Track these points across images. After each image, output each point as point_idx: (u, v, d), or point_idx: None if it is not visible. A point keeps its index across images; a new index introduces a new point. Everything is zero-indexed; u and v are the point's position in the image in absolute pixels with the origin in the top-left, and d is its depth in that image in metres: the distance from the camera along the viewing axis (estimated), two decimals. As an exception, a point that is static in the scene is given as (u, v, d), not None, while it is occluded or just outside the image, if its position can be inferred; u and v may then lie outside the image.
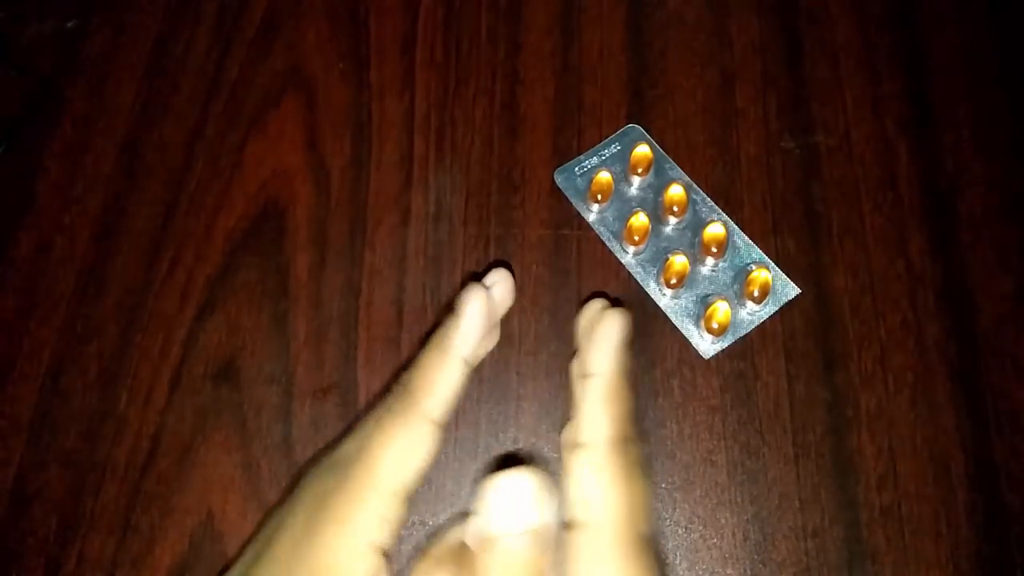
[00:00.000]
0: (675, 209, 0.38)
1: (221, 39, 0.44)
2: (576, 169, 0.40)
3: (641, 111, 0.42)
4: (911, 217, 0.39)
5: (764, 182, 0.40)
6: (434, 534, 0.29)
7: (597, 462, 0.24)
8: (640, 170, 0.39)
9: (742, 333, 0.37)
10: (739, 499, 0.34)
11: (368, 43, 0.44)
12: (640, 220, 0.38)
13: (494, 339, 0.34)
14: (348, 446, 0.28)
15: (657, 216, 0.39)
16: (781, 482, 0.34)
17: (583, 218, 0.39)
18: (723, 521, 0.34)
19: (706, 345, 0.36)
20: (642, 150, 0.39)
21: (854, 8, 0.44)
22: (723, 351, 0.36)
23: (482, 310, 0.28)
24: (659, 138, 0.41)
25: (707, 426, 0.35)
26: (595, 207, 0.39)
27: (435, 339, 0.28)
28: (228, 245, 0.39)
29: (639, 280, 0.38)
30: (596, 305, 0.29)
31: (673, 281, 0.37)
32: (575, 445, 0.25)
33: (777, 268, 0.38)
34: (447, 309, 0.29)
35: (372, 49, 0.44)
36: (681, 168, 0.40)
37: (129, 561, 0.34)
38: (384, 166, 0.41)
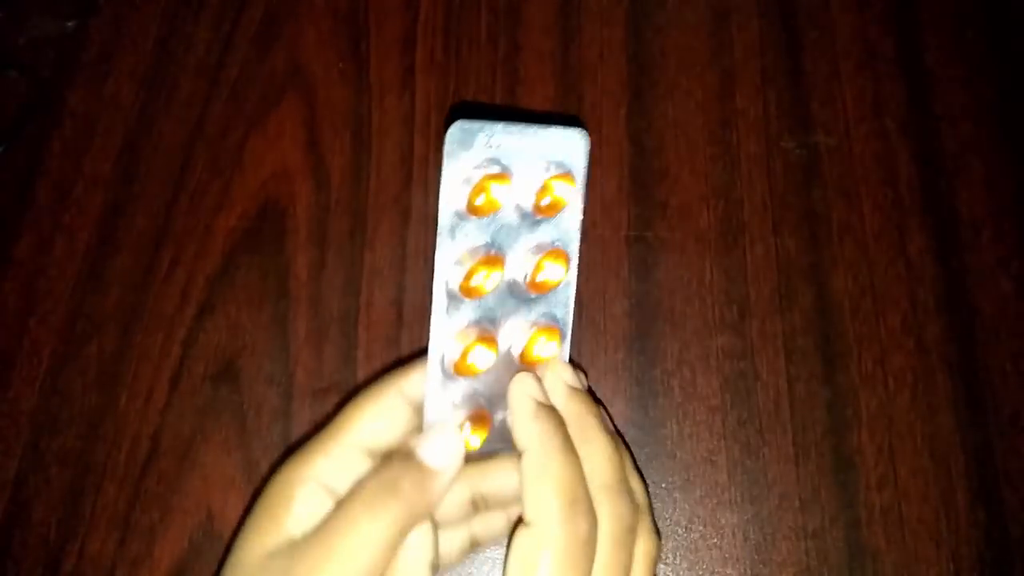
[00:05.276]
0: None
1: (221, 39, 0.44)
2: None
3: (641, 111, 0.42)
4: (911, 217, 0.39)
5: (764, 182, 0.40)
6: None
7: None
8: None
9: None
10: (739, 499, 0.34)
11: (368, 43, 0.44)
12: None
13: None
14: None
15: None
16: (781, 482, 0.34)
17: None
18: (723, 521, 0.34)
19: None
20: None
21: (854, 8, 0.44)
22: (723, 351, 0.36)
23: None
24: (659, 138, 0.41)
25: (707, 426, 0.35)
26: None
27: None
28: (228, 245, 0.39)
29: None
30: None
31: None
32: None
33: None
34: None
35: (372, 49, 0.44)
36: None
37: (129, 561, 0.34)
38: (384, 166, 0.41)
